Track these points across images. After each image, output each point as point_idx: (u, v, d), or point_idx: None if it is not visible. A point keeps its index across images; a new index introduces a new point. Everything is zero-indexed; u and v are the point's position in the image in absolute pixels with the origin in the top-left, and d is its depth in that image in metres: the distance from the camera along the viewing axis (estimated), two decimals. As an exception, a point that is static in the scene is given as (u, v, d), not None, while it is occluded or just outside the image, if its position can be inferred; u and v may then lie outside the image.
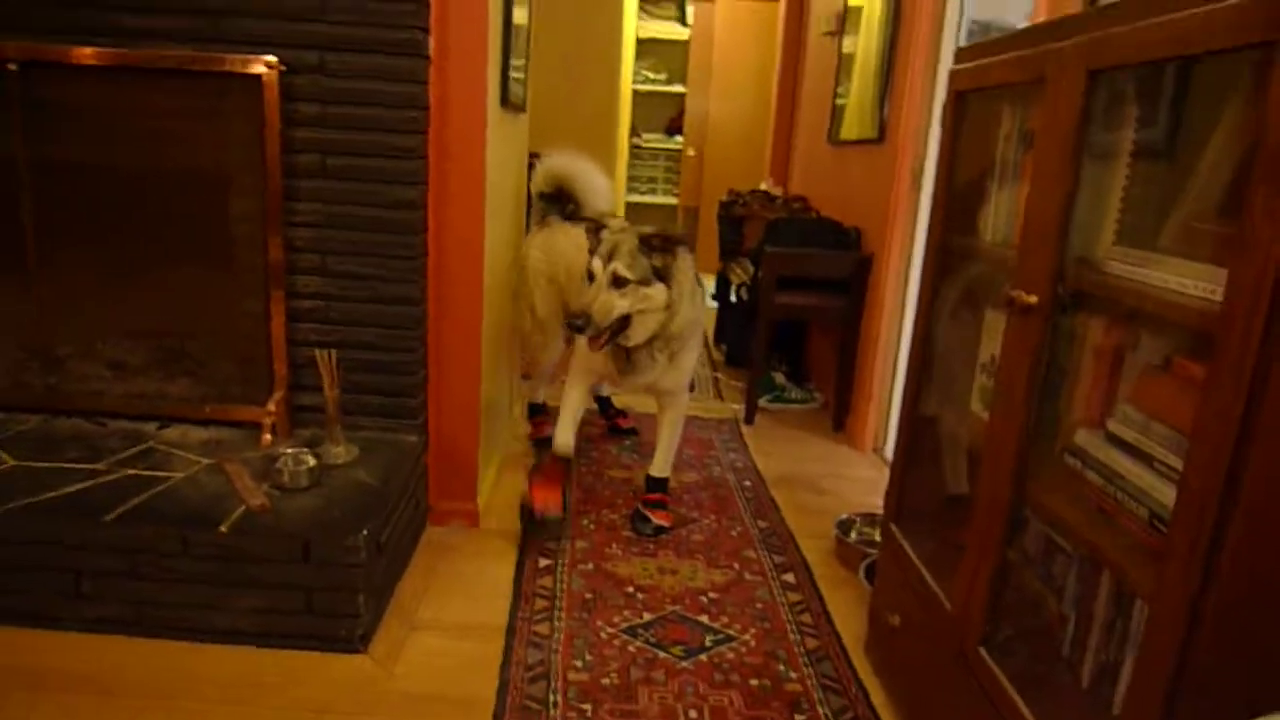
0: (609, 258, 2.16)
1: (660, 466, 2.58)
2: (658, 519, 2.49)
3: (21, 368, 2.26)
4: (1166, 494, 1.03)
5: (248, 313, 2.20)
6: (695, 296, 2.35)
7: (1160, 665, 0.96)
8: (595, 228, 2.27)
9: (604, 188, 2.89)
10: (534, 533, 2.33)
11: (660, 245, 2.18)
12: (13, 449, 2.07)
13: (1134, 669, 1.10)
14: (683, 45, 7.21)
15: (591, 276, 2.19)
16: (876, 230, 3.28)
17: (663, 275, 2.20)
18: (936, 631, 1.57)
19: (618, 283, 2.15)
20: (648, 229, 2.24)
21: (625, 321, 2.20)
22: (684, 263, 2.27)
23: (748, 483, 2.90)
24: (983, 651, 1.39)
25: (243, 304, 2.20)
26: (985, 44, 1.62)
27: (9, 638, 1.80)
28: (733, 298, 4.37)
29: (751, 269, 3.78)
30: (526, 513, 2.34)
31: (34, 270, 2.20)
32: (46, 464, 2.00)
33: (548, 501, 2.34)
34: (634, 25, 6.61)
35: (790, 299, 3.46)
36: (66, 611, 1.83)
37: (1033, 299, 1.28)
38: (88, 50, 2.01)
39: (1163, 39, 1.03)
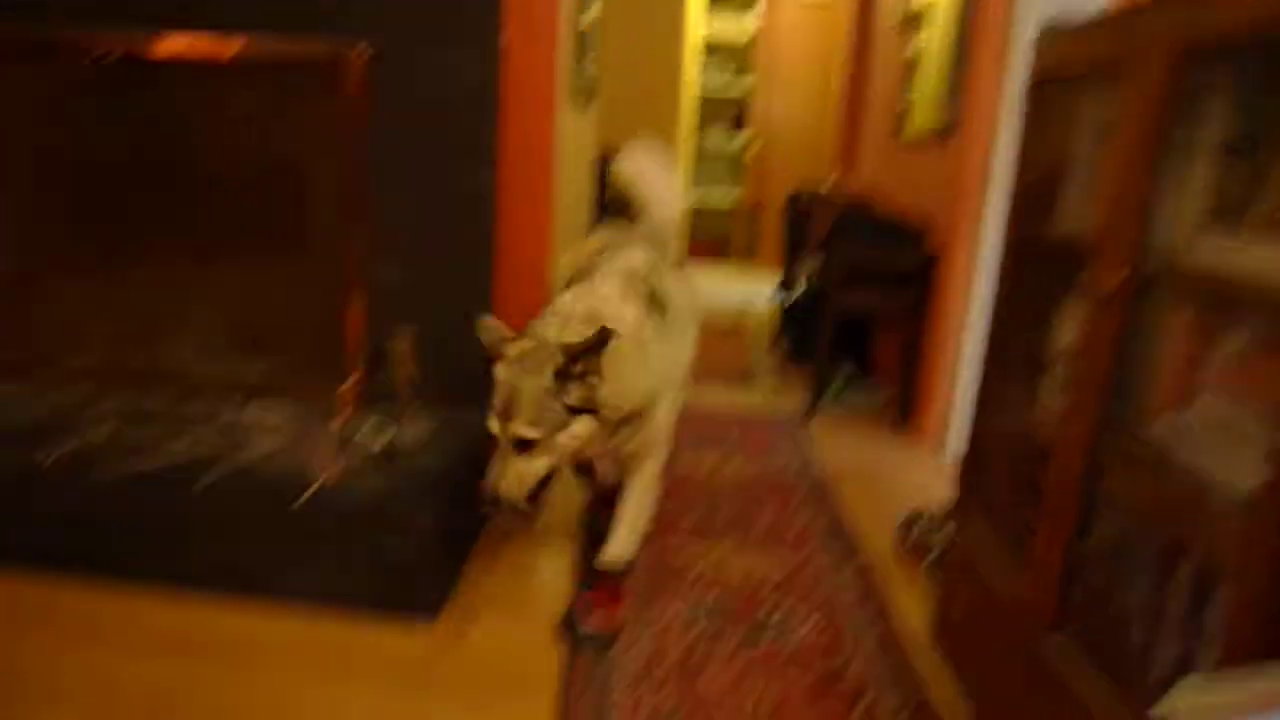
0: (505, 414, 1.61)
1: (617, 549, 1.91)
2: (595, 620, 1.87)
3: (117, 347, 2.38)
4: (1246, 480, 1.01)
5: (327, 296, 2.28)
6: (647, 360, 1.76)
7: (1243, 651, 0.94)
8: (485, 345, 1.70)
9: (668, 195, 2.29)
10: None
11: (580, 372, 1.60)
12: (109, 422, 2.17)
13: (1218, 655, 1.07)
14: (748, 44, 7.20)
15: (492, 438, 1.65)
16: (944, 226, 3.24)
17: (586, 406, 1.62)
18: (1005, 622, 1.55)
19: (523, 445, 1.63)
20: (559, 349, 1.59)
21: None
22: (621, 341, 1.65)
23: (810, 477, 2.89)
24: (1054, 640, 1.37)
25: (322, 288, 2.28)
26: (1067, 30, 1.59)
27: (91, 591, 1.90)
28: (796, 294, 4.35)
29: (817, 265, 3.76)
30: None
31: (129, 256, 2.32)
32: (140, 435, 2.10)
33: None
34: (700, 23, 6.63)
35: (856, 295, 3.44)
36: (157, 568, 1.92)
37: (1114, 284, 1.26)
38: (180, 41, 2.10)
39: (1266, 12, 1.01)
